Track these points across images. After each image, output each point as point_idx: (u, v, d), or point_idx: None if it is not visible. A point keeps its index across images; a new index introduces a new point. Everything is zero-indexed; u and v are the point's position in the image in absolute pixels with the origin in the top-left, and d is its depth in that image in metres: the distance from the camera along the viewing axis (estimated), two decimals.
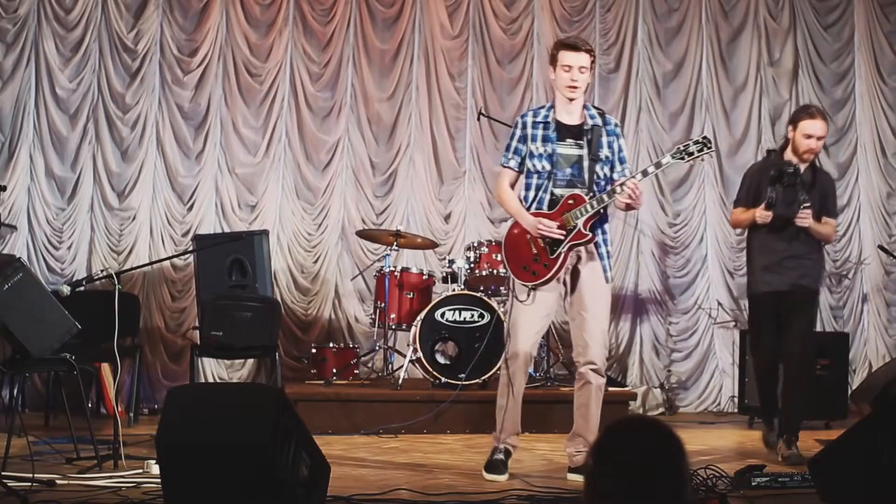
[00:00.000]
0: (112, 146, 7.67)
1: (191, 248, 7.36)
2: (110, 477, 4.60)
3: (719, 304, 8.22)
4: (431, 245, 7.49)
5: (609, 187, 4.81)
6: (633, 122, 8.27)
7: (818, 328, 8.16)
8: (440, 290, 7.04)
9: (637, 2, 8.30)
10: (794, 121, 5.60)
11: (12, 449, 4.68)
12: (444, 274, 7.05)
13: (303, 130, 7.94)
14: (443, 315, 6.70)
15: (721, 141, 8.35)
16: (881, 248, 8.08)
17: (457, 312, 6.70)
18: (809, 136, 5.47)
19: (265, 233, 7.26)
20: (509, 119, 7.83)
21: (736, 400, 7.66)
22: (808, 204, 5.43)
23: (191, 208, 7.75)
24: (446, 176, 8.09)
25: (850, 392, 7.48)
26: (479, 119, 7.74)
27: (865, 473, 3.82)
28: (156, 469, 4.19)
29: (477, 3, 8.17)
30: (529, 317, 4.84)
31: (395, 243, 7.10)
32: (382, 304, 6.94)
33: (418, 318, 6.71)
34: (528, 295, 4.83)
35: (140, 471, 4.73)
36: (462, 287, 6.86)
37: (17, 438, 4.81)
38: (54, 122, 7.59)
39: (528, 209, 4.87)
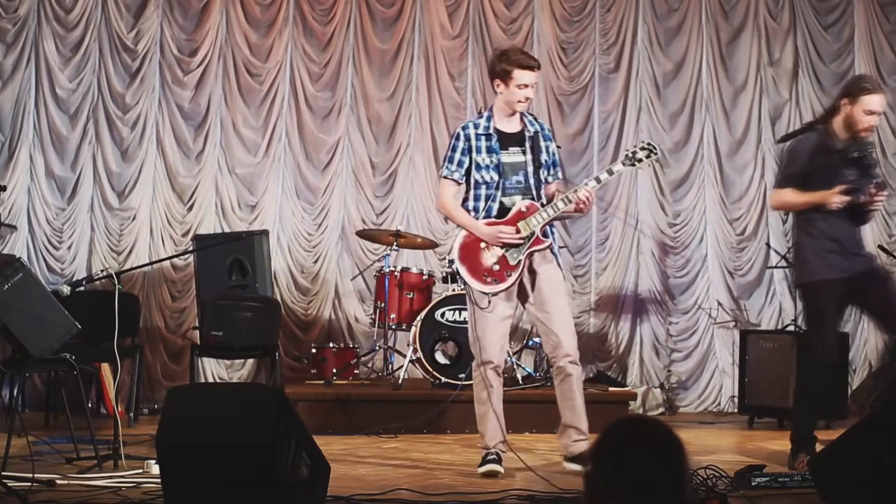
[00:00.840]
0: (112, 146, 7.67)
1: (191, 248, 7.36)
2: (110, 477, 4.60)
3: (719, 304, 8.22)
4: (431, 245, 7.49)
5: (564, 194, 4.93)
6: (633, 122, 8.27)
7: None
8: (440, 290, 7.04)
9: (637, 2, 8.30)
10: (851, 94, 5.08)
11: (12, 449, 4.68)
12: (444, 274, 7.04)
13: (303, 130, 7.94)
14: (443, 315, 6.70)
15: (721, 141, 8.36)
16: (881, 247, 8.08)
17: (457, 312, 6.70)
18: (871, 113, 5.03)
19: (265, 233, 7.26)
20: None
21: (736, 400, 7.65)
22: (885, 190, 5.09)
23: (191, 208, 7.75)
24: None
25: (850, 392, 7.49)
26: None
27: (865, 473, 3.82)
28: (156, 469, 4.19)
29: (477, 3, 8.17)
30: (493, 323, 4.94)
31: (395, 243, 7.10)
32: (382, 304, 6.94)
33: (418, 318, 6.71)
34: (489, 302, 4.92)
35: (140, 471, 4.73)
36: (462, 287, 6.85)
37: (17, 438, 4.80)
38: (54, 122, 7.59)
39: (476, 219, 4.97)
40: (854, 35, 8.52)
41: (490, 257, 4.92)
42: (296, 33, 7.96)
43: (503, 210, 4.94)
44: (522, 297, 5.03)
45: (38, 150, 7.55)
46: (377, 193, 8.01)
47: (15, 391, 5.71)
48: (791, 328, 7.59)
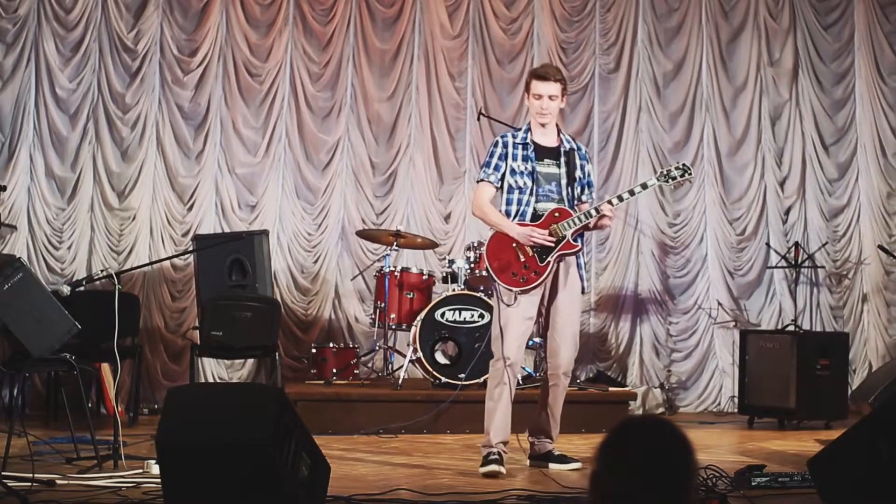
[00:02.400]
0: (112, 146, 7.67)
1: (191, 248, 7.36)
2: (110, 477, 4.60)
3: (719, 304, 8.22)
4: (431, 245, 7.49)
5: (595, 204, 5.11)
6: (633, 122, 8.27)
7: (818, 328, 8.19)
8: (440, 290, 7.04)
9: (637, 2, 8.30)
10: None
11: (12, 449, 4.68)
12: (444, 274, 7.05)
13: (303, 130, 7.94)
14: (443, 315, 6.70)
15: (721, 141, 8.36)
16: (881, 248, 8.08)
17: (457, 312, 6.70)
18: None
19: (265, 233, 7.26)
20: (509, 119, 7.84)
21: (736, 400, 7.65)
22: None
23: (191, 208, 7.75)
24: (446, 176, 8.09)
25: (850, 392, 7.49)
26: (479, 119, 7.74)
27: (865, 473, 3.81)
28: (156, 469, 4.19)
29: (477, 3, 8.17)
30: (517, 321, 5.03)
31: (395, 243, 7.10)
32: (382, 304, 6.94)
33: (418, 318, 6.71)
34: (515, 299, 5.02)
35: (140, 471, 4.73)
36: (462, 287, 6.86)
37: (17, 438, 4.80)
38: (54, 122, 7.58)
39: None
40: (854, 35, 8.52)
41: (520, 256, 5.03)
42: (296, 33, 7.95)
43: (536, 216, 5.07)
44: (541, 300, 5.14)
45: (38, 150, 7.55)
46: (377, 193, 8.01)
47: (15, 391, 5.72)
48: (791, 328, 7.60)
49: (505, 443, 5.04)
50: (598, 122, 8.22)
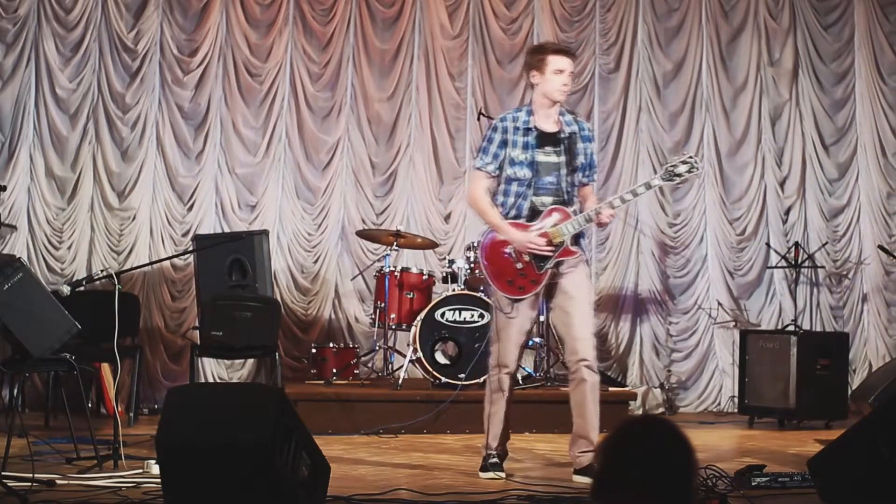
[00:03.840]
0: (112, 146, 7.66)
1: (191, 248, 7.36)
2: (110, 477, 4.60)
3: (719, 304, 8.22)
4: (431, 245, 7.49)
5: (596, 206, 4.81)
6: (633, 122, 8.27)
7: (818, 328, 8.19)
8: (440, 290, 7.04)
9: (637, 2, 8.30)
10: None
11: (12, 449, 4.67)
12: (444, 274, 7.05)
13: (303, 130, 7.94)
14: (443, 315, 6.70)
15: (721, 141, 8.36)
16: (881, 248, 8.09)
17: (457, 312, 6.70)
18: None
19: (265, 233, 7.25)
20: None
21: (736, 400, 7.65)
22: None
23: (191, 208, 7.75)
24: (446, 176, 8.09)
25: (850, 392, 7.49)
26: (479, 119, 7.73)
27: (865, 473, 3.81)
28: (156, 469, 4.19)
29: (477, 3, 8.17)
30: (515, 329, 4.86)
31: (395, 243, 7.10)
32: (382, 304, 6.94)
33: (418, 318, 6.71)
34: (513, 307, 4.84)
35: (140, 471, 4.73)
36: (462, 287, 6.86)
37: (17, 438, 4.80)
38: (54, 122, 7.58)
39: (505, 216, 4.86)
40: (854, 35, 8.52)
41: (517, 263, 4.81)
42: (296, 33, 7.95)
43: (533, 210, 4.83)
44: (547, 296, 4.93)
45: (38, 150, 7.55)
46: (377, 193, 8.01)
47: (15, 391, 5.72)
48: (791, 328, 7.60)
49: (504, 446, 4.99)
50: (598, 123, 8.22)
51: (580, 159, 4.90)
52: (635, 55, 8.31)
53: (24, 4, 7.53)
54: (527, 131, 4.86)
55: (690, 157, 4.86)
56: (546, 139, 4.87)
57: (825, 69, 8.50)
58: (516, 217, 4.85)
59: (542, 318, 6.57)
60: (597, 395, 4.87)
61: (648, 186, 4.95)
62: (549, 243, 4.77)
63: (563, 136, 4.88)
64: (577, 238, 4.88)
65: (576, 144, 4.89)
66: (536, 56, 4.91)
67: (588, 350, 4.83)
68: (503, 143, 4.86)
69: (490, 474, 4.83)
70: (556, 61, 4.82)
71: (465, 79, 8.13)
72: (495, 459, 4.91)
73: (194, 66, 7.78)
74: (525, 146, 4.84)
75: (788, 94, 8.46)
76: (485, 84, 8.13)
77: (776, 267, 8.24)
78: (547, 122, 4.89)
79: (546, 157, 4.85)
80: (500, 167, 4.87)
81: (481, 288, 6.90)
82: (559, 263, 4.83)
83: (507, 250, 4.83)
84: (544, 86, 4.86)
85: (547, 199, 4.84)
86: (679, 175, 4.83)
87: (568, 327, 4.87)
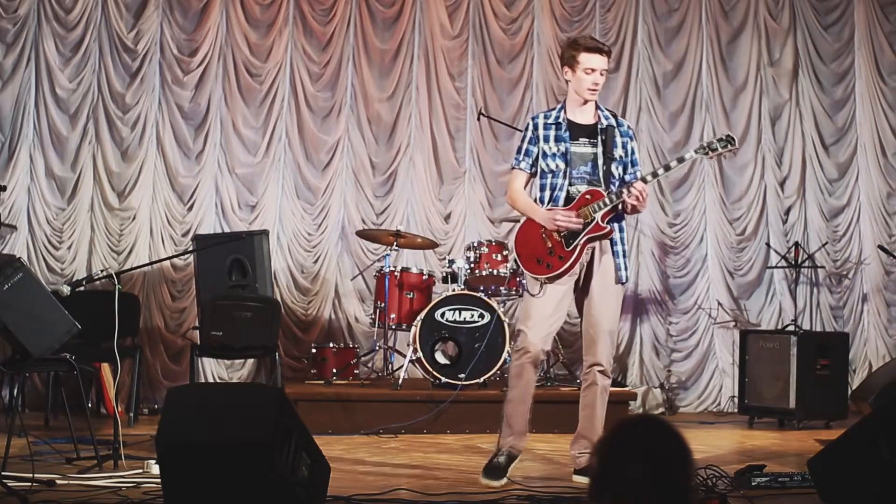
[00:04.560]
0: (112, 146, 7.67)
1: (191, 248, 7.36)
2: (110, 477, 4.59)
3: (719, 304, 8.22)
4: (431, 245, 7.49)
5: (625, 185, 4.75)
6: (634, 123, 8.25)
7: (818, 328, 8.19)
8: (440, 290, 7.04)
9: (637, 2, 8.30)
10: None
11: (12, 449, 4.67)
12: (444, 274, 7.05)
13: (303, 130, 7.94)
14: (443, 315, 6.70)
15: None
16: (881, 248, 8.09)
17: (457, 312, 6.70)
18: None
19: (265, 233, 7.25)
20: (509, 119, 7.84)
21: (736, 400, 7.65)
22: None
23: (191, 208, 7.75)
24: (446, 176, 8.09)
25: (850, 392, 7.49)
26: (479, 119, 7.74)
27: (865, 473, 3.82)
28: (156, 469, 4.19)
29: (477, 3, 8.17)
30: (541, 310, 4.75)
31: (395, 243, 7.10)
32: (382, 304, 6.94)
33: (418, 318, 6.71)
34: (541, 288, 4.75)
35: (140, 471, 4.73)
36: (462, 287, 6.86)
37: (17, 438, 4.80)
38: (54, 122, 7.58)
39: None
40: (854, 35, 8.52)
41: (547, 243, 4.74)
42: (296, 33, 7.96)
43: (570, 200, 4.74)
44: (578, 299, 4.87)
45: (38, 150, 7.55)
46: (377, 193, 8.01)
47: (15, 391, 5.71)
48: (791, 328, 7.59)
49: (524, 434, 4.85)
50: None
51: (618, 152, 4.84)
52: (635, 55, 8.31)
53: (24, 4, 7.54)
54: (558, 125, 4.83)
55: (729, 136, 4.85)
56: (580, 130, 4.83)
57: (825, 69, 8.51)
58: (553, 207, 4.78)
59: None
60: (606, 398, 4.84)
61: (681, 160, 4.90)
62: (580, 217, 4.69)
63: (600, 126, 4.85)
64: (611, 222, 4.75)
65: (614, 136, 4.84)
66: (569, 52, 4.86)
67: (604, 354, 4.79)
68: (534, 140, 4.84)
69: (486, 481, 4.67)
70: (587, 59, 4.79)
71: (465, 79, 8.13)
72: (500, 460, 4.77)
73: (194, 66, 7.79)
74: (557, 139, 4.81)
75: (788, 94, 8.46)
76: (485, 84, 8.13)
77: (776, 267, 8.24)
78: (582, 115, 4.87)
79: (580, 147, 4.81)
80: (535, 163, 4.84)
81: (481, 288, 6.91)
82: (589, 241, 4.73)
83: (540, 231, 4.77)
84: (575, 83, 4.84)
85: (583, 188, 4.77)
86: (714, 150, 4.82)
87: (589, 327, 4.81)
